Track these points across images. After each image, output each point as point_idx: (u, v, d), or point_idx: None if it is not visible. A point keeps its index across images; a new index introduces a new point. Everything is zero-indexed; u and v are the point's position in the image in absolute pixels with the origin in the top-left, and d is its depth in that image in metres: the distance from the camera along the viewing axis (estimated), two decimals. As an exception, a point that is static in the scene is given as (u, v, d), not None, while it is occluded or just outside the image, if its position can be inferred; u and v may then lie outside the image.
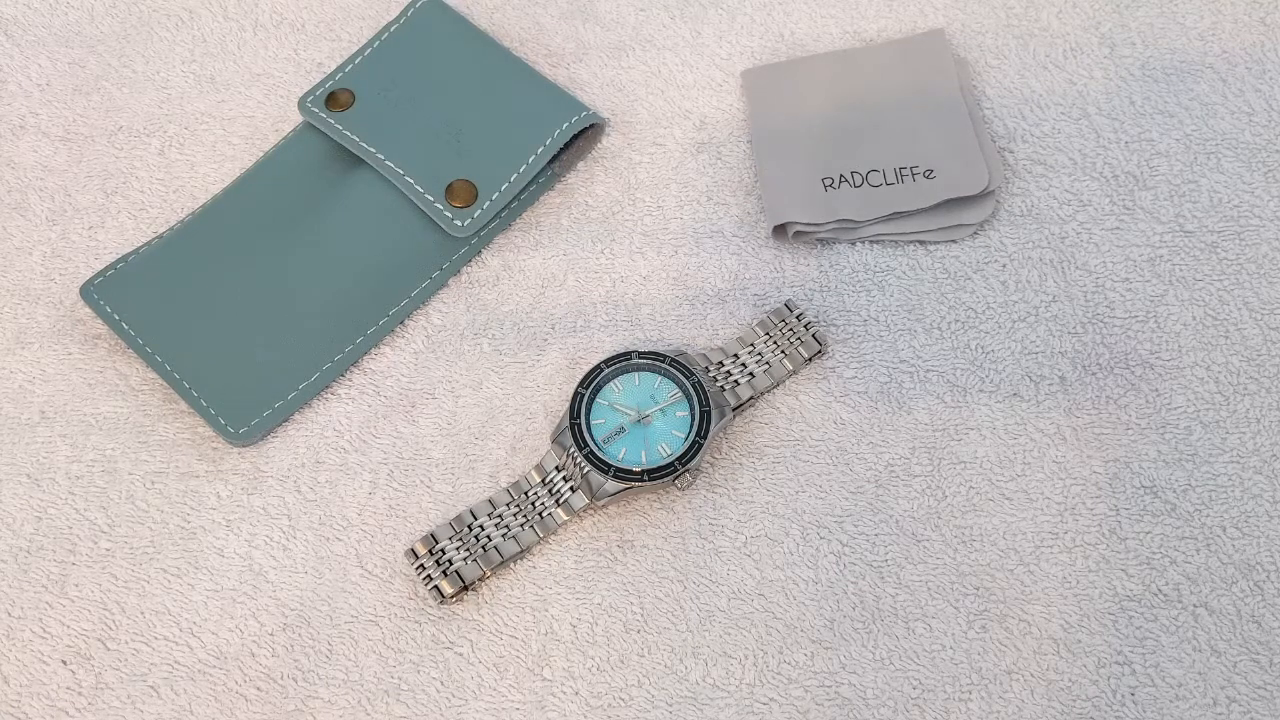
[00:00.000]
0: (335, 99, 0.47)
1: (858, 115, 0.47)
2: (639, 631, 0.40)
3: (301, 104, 0.48)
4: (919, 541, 0.41)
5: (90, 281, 0.45)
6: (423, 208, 0.45)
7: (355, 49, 0.50)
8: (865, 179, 0.46)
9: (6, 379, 0.45)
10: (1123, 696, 0.38)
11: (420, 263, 0.46)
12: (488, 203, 0.45)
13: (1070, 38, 0.49)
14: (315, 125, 0.47)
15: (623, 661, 0.40)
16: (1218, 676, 0.38)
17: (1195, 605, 0.39)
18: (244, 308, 0.45)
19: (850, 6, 0.50)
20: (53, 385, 0.45)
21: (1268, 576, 0.39)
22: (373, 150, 0.46)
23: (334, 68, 0.49)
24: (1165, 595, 0.39)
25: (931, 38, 0.48)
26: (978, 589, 0.40)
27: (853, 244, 0.46)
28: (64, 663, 0.40)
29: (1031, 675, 0.39)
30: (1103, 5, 0.49)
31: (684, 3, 0.51)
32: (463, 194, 0.45)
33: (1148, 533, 0.40)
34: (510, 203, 0.46)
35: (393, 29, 0.49)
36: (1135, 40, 0.48)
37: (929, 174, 0.45)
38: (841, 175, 0.46)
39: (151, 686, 0.40)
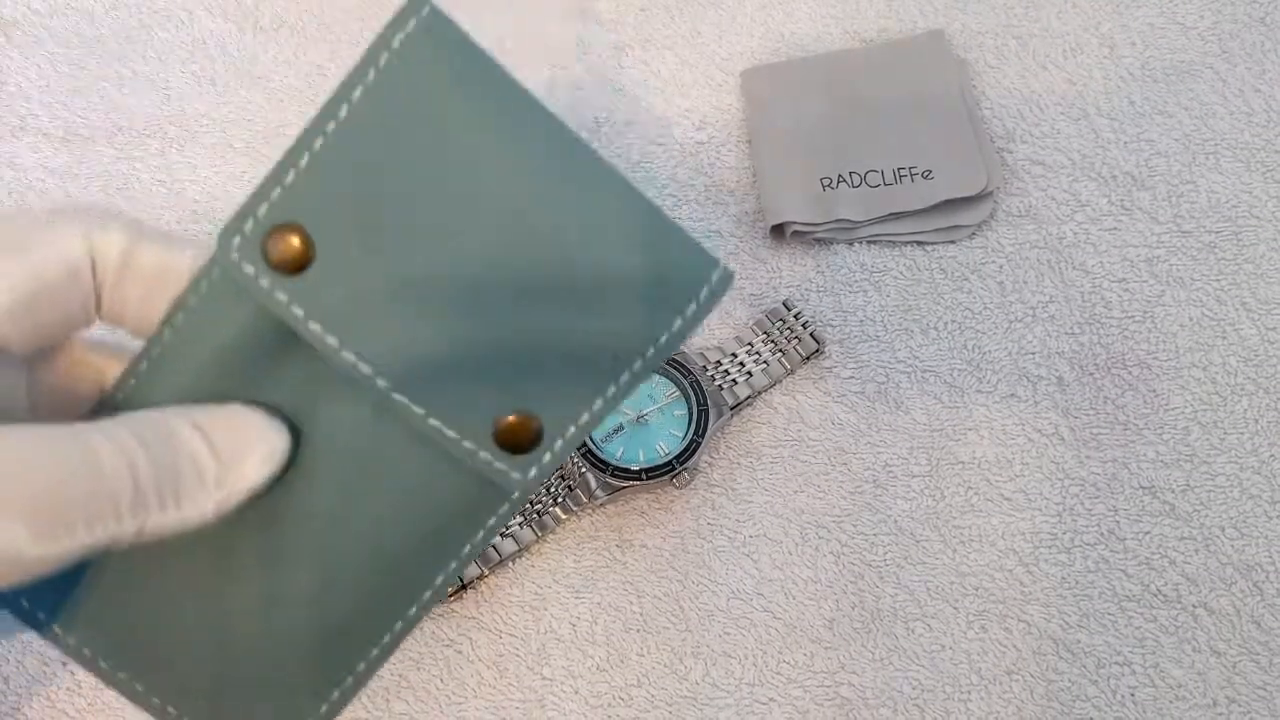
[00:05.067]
0: (278, 245, 0.25)
1: (857, 115, 0.47)
2: (639, 631, 0.40)
3: (222, 249, 0.25)
4: (918, 542, 0.41)
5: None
6: (460, 458, 0.26)
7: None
8: (864, 179, 0.46)
9: (7, 379, 0.45)
10: (1123, 696, 0.38)
11: (456, 526, 0.28)
12: (559, 443, 0.26)
13: (1070, 38, 0.49)
14: (250, 295, 0.25)
15: (623, 661, 0.40)
16: (1218, 676, 0.38)
17: (1195, 605, 0.39)
18: (217, 638, 0.27)
19: (850, 6, 0.50)
20: (53, 386, 0.45)
21: (1267, 576, 0.39)
22: (366, 371, 0.25)
23: (275, 161, 0.25)
24: (1165, 596, 0.39)
25: (931, 38, 0.48)
26: (977, 589, 0.40)
27: (851, 244, 0.46)
28: (64, 664, 0.40)
29: (1031, 675, 0.39)
30: (1103, 5, 0.49)
31: (684, 2, 0.51)
32: (519, 432, 0.26)
33: (1146, 533, 0.40)
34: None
35: (369, 79, 0.24)
36: (1135, 40, 0.48)
37: (927, 175, 0.45)
38: (840, 175, 0.46)
39: (151, 686, 0.40)
